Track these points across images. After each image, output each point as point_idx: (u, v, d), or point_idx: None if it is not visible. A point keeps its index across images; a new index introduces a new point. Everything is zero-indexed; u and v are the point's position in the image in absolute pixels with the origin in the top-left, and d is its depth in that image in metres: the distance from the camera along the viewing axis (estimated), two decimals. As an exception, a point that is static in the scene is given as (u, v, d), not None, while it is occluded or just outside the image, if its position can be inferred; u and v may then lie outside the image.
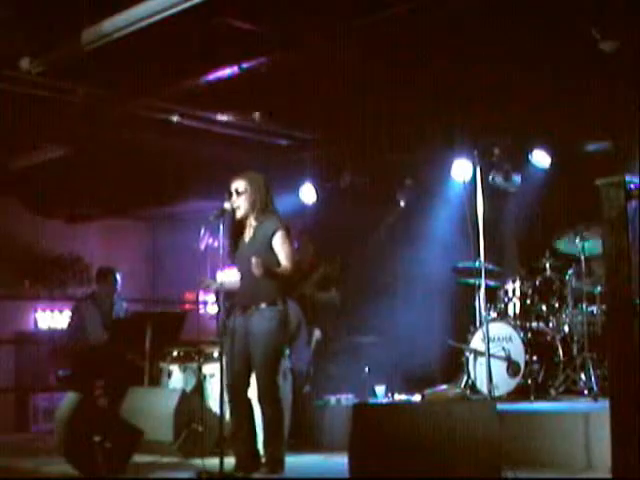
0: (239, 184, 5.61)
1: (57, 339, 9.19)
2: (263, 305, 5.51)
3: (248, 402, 5.62)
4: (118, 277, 8.16)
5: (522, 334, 7.14)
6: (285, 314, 5.61)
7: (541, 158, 8.14)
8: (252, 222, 5.66)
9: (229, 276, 5.66)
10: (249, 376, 5.58)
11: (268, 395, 5.52)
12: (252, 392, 5.61)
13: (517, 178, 8.17)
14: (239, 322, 5.55)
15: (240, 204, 5.59)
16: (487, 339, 6.71)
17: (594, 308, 7.16)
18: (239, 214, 5.60)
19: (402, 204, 9.10)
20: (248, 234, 5.67)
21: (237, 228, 5.65)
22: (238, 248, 5.64)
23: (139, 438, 5.78)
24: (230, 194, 5.60)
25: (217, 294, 5.80)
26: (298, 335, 7.23)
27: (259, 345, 5.48)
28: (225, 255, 5.47)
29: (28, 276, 10.53)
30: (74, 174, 9.02)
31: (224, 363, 5.45)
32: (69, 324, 8.34)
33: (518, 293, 7.56)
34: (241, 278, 5.63)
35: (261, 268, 5.31)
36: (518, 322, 7.37)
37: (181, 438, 6.34)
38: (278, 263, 5.51)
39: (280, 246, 5.54)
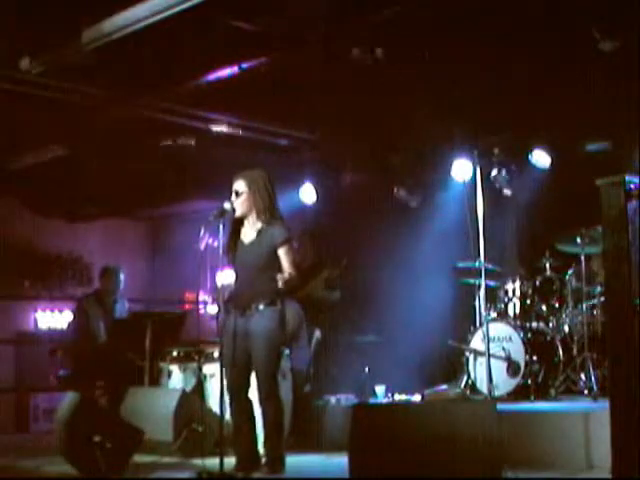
0: (239, 185, 5.59)
1: (60, 338, 9.19)
2: (262, 305, 5.51)
3: (249, 402, 5.62)
4: (121, 275, 8.18)
5: (522, 334, 7.14)
6: (284, 314, 5.62)
7: (541, 158, 8.14)
8: (255, 224, 5.62)
9: (229, 277, 5.65)
10: (249, 376, 5.58)
11: (269, 394, 5.52)
12: (253, 392, 5.61)
13: (509, 179, 8.18)
14: (238, 323, 5.54)
15: (238, 205, 5.57)
16: (487, 339, 6.71)
17: (594, 308, 7.16)
18: (238, 214, 5.59)
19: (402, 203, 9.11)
20: (249, 235, 5.64)
21: (235, 228, 5.65)
22: (236, 249, 5.63)
23: (139, 438, 5.78)
24: (231, 193, 5.60)
25: (217, 294, 5.78)
26: (299, 335, 7.23)
27: (259, 345, 5.48)
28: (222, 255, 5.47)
29: (28, 276, 10.53)
30: (74, 174, 9.02)
31: (224, 364, 5.46)
32: (73, 323, 8.35)
33: (518, 293, 7.56)
34: (238, 279, 5.61)
35: (285, 283, 5.39)
36: (518, 322, 7.37)
37: (181, 438, 6.34)
38: (279, 267, 5.53)
39: (286, 254, 5.54)
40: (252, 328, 5.50)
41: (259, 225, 5.61)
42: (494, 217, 7.30)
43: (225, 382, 5.43)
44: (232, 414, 5.62)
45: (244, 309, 5.54)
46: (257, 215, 5.61)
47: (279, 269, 5.51)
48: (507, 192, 8.18)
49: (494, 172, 8.00)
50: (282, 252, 5.54)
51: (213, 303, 5.97)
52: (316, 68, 6.58)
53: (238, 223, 5.65)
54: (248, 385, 5.59)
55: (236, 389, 5.55)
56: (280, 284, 5.40)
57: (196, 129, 7.97)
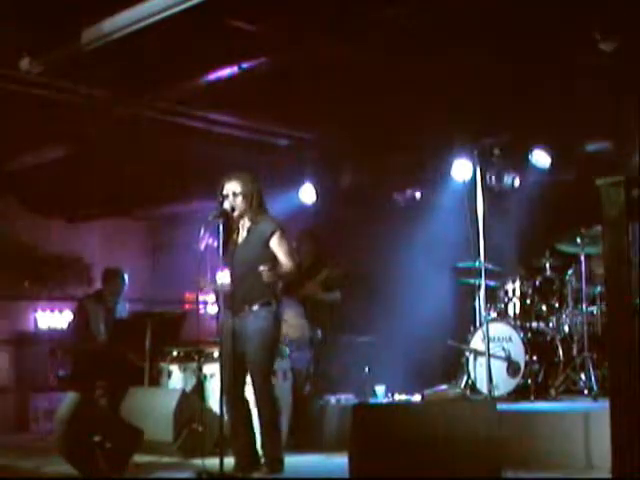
0: (234, 185, 5.60)
1: (61, 338, 9.19)
2: (256, 306, 5.52)
3: (245, 402, 5.62)
4: (125, 278, 8.20)
5: (522, 334, 7.14)
6: (279, 314, 5.64)
7: (541, 158, 8.14)
8: (246, 223, 5.66)
9: (227, 277, 5.65)
10: (245, 377, 5.58)
11: (264, 395, 5.53)
12: (249, 392, 5.61)
13: (509, 179, 8.20)
14: (233, 323, 5.54)
15: (237, 205, 5.58)
16: (487, 339, 6.71)
17: (594, 308, 7.16)
18: (235, 215, 5.60)
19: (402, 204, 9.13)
20: (241, 235, 5.67)
21: (229, 229, 5.65)
22: (230, 249, 5.63)
23: (139, 438, 5.79)
24: (222, 195, 5.60)
25: (217, 294, 5.79)
26: (303, 342, 7.26)
27: (254, 345, 5.49)
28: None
29: (28, 276, 10.52)
30: (74, 174, 9.02)
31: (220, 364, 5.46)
32: (73, 323, 8.36)
33: (518, 293, 7.56)
34: (233, 279, 5.60)
35: (271, 275, 5.34)
36: (518, 322, 7.37)
37: (181, 438, 6.34)
38: (275, 263, 5.52)
39: (278, 246, 5.55)
40: (246, 328, 5.51)
41: (249, 224, 5.64)
42: (494, 217, 7.30)
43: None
44: (229, 415, 5.62)
45: (238, 309, 5.55)
46: (249, 215, 5.63)
47: (276, 264, 5.51)
48: (499, 188, 8.17)
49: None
50: (274, 244, 5.55)
51: (209, 291, 5.96)
52: (316, 68, 6.58)
53: (233, 224, 5.66)
54: (244, 385, 5.60)
55: (232, 390, 5.56)
56: (264, 277, 5.33)
57: (196, 129, 7.97)
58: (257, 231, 5.61)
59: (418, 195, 9.11)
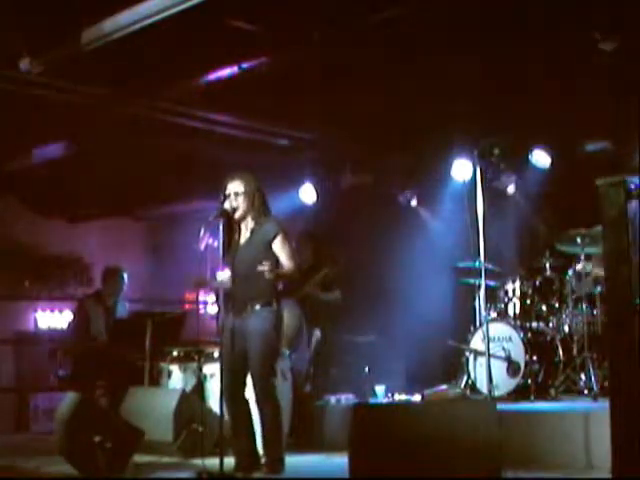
0: (237, 185, 5.60)
1: (60, 338, 9.19)
2: (258, 306, 5.51)
3: (246, 402, 5.62)
4: (125, 277, 8.20)
5: (522, 334, 7.14)
6: (280, 315, 5.63)
7: (541, 158, 8.15)
8: (249, 224, 5.65)
9: (227, 275, 5.65)
10: (246, 377, 5.58)
11: (265, 395, 5.52)
12: (250, 393, 5.61)
13: (509, 179, 8.21)
14: (235, 324, 5.55)
15: (239, 205, 5.58)
16: (487, 339, 6.71)
17: (594, 308, 7.16)
18: (238, 215, 5.60)
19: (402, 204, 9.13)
20: (244, 236, 5.67)
21: (231, 229, 5.65)
22: (232, 249, 5.63)
23: (139, 438, 5.78)
24: (225, 195, 5.59)
25: (217, 294, 5.79)
26: (297, 342, 7.24)
27: (255, 345, 5.48)
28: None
29: (28, 276, 10.53)
30: (74, 174, 9.02)
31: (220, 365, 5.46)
32: (73, 323, 8.35)
33: (518, 293, 7.56)
34: (235, 279, 5.61)
35: (272, 272, 5.34)
36: (518, 322, 7.37)
37: (181, 438, 6.34)
38: (277, 265, 5.53)
39: (281, 248, 5.55)
40: (248, 329, 5.51)
41: (252, 225, 5.64)
42: (494, 217, 7.30)
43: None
44: (229, 415, 5.61)
45: (240, 310, 5.55)
46: (252, 215, 5.63)
47: (277, 266, 5.52)
48: (510, 190, 8.20)
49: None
50: (276, 246, 5.55)
51: (209, 289, 5.96)
52: (316, 68, 6.58)
53: (235, 224, 5.66)
54: (244, 386, 5.59)
55: (233, 390, 5.55)
56: (266, 275, 5.34)
57: (196, 129, 7.97)
58: (260, 232, 5.61)
59: (418, 196, 9.11)
